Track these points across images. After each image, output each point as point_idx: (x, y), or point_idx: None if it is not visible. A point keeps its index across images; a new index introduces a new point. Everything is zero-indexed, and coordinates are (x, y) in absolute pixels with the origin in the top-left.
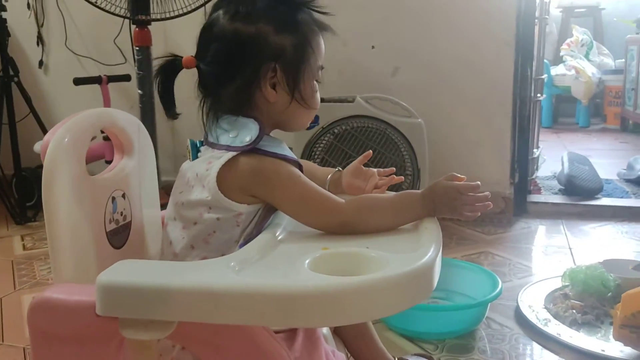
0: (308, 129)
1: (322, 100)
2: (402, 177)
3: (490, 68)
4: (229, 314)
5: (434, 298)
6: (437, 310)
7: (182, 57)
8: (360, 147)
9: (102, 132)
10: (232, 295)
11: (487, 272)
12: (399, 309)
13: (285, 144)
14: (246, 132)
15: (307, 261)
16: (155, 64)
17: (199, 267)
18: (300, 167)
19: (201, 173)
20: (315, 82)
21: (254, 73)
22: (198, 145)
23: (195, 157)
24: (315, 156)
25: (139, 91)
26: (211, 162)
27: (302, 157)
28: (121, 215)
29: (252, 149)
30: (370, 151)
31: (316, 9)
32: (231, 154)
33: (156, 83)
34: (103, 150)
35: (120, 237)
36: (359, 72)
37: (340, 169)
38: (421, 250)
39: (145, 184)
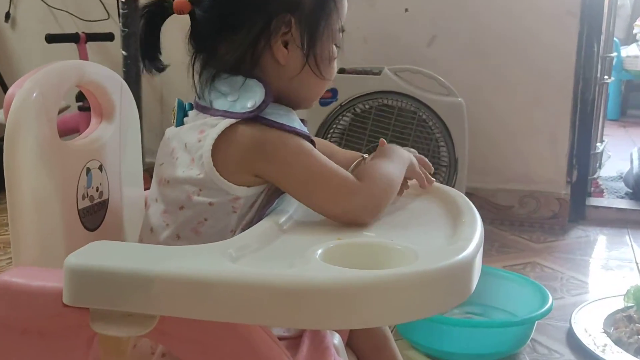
0: (324, 105)
1: (342, 71)
2: (433, 180)
3: (549, 41)
4: (222, 310)
5: (468, 313)
6: (472, 327)
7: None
8: (387, 129)
9: (79, 101)
10: (227, 287)
11: (534, 284)
12: (429, 312)
13: (297, 116)
14: (249, 96)
15: (318, 251)
16: (142, 3)
17: (187, 252)
18: (312, 144)
19: (191, 144)
20: (334, 46)
21: (264, 25)
22: (187, 108)
23: (180, 122)
24: (332, 139)
25: (123, 52)
26: (204, 130)
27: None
28: (97, 191)
29: (254, 117)
30: (383, 140)
31: None
32: (229, 121)
33: (140, 28)
34: (77, 123)
35: (94, 217)
36: (388, 40)
37: (364, 156)
38: (459, 244)
39: (126, 156)
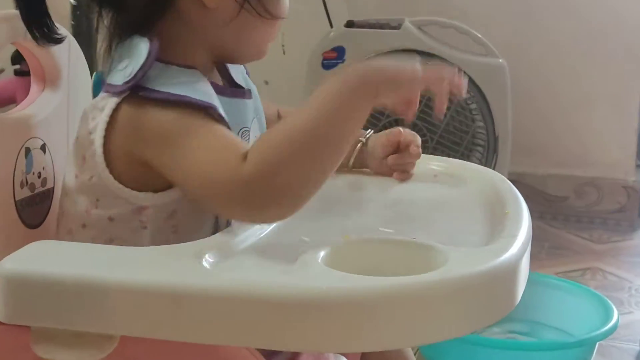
0: (328, 67)
1: (351, 24)
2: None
3: None
4: (197, 328)
5: (511, 332)
6: (516, 349)
7: None
8: None
9: (15, 63)
10: (203, 299)
11: (595, 295)
12: (462, 331)
13: (204, 77)
14: (134, 61)
15: (321, 253)
16: None
17: (153, 255)
18: (220, 118)
19: (82, 136)
20: None
21: None
22: None
23: None
24: None
25: (72, 1)
26: (95, 117)
27: None
28: (39, 177)
29: (134, 88)
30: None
31: None
32: (113, 101)
33: None
34: (14, 90)
35: (35, 211)
36: None
37: (367, 135)
38: (500, 243)
39: (76, 131)
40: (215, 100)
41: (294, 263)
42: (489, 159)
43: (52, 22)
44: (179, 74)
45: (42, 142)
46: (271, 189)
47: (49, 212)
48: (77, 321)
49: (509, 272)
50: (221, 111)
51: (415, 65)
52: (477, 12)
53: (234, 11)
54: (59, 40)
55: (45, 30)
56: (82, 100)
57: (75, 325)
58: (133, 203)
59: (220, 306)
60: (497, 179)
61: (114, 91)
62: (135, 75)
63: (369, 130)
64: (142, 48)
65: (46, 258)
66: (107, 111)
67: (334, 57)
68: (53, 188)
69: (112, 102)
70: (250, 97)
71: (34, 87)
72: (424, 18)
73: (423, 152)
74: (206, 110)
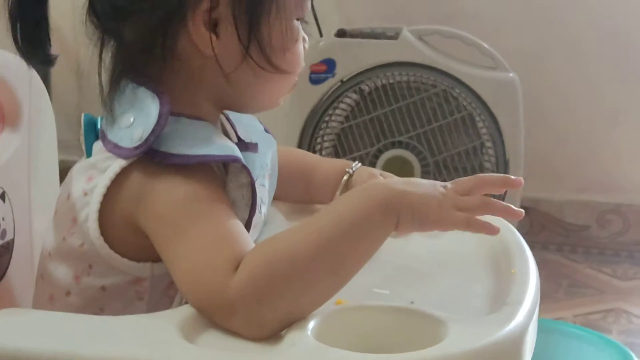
0: (316, 82)
1: (342, 33)
2: (498, 229)
3: None
4: None
5: None
6: None
7: None
8: (407, 118)
9: None
10: None
11: (615, 346)
12: None
13: (218, 128)
14: (142, 120)
15: (310, 324)
16: None
17: (129, 326)
18: (246, 169)
19: (76, 196)
20: (296, 22)
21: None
22: (99, 126)
23: (90, 151)
24: (328, 131)
25: None
26: (93, 177)
27: (302, 134)
28: None
29: (149, 153)
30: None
31: None
32: (119, 163)
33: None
34: None
35: None
36: None
37: (351, 169)
38: (504, 311)
39: (38, 176)
40: (237, 151)
41: (279, 336)
42: None
43: (48, 43)
44: (191, 129)
45: (2, 190)
46: (254, 315)
47: (9, 266)
48: None
49: (514, 344)
50: (244, 161)
51: (450, 201)
52: (485, 19)
53: (236, 61)
54: (50, 63)
55: (41, 51)
56: (44, 142)
57: None
58: (130, 274)
59: None
60: (505, 230)
61: (120, 154)
62: (147, 139)
63: (357, 162)
64: (150, 105)
65: (15, 331)
66: (110, 174)
67: (323, 71)
68: (13, 240)
69: (117, 165)
70: (256, 150)
71: None
72: (425, 27)
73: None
74: (225, 169)
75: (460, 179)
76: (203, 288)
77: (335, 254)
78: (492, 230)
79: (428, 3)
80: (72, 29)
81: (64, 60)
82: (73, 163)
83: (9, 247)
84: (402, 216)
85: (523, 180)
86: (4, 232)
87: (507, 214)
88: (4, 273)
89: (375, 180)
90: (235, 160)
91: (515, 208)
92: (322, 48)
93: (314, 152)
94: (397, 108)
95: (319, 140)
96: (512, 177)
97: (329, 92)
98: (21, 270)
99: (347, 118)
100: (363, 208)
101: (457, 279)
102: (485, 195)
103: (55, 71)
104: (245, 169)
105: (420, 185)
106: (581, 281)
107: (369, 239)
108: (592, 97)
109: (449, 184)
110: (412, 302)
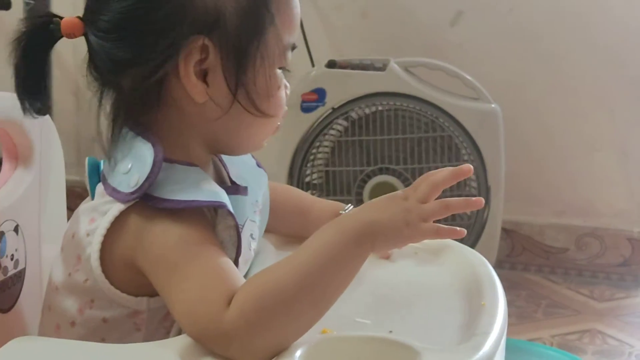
0: (307, 110)
1: (333, 64)
2: (464, 231)
3: (622, 18)
4: None
5: None
6: None
7: (61, 19)
8: (393, 145)
9: None
10: None
11: None
12: None
13: (208, 173)
14: (138, 167)
15: (297, 353)
16: (18, 28)
17: (134, 353)
18: (229, 212)
19: (80, 236)
20: (278, 71)
21: (168, 51)
22: (102, 168)
23: (94, 192)
24: (316, 160)
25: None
26: (95, 219)
27: (294, 160)
28: (11, 259)
29: (145, 197)
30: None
31: None
32: (118, 207)
33: (16, 57)
34: None
35: (7, 295)
36: (395, 18)
37: (346, 208)
38: (473, 341)
39: (48, 210)
40: (223, 196)
41: None
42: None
43: (48, 98)
44: (183, 175)
45: (16, 224)
46: (247, 345)
47: (20, 294)
48: None
49: None
50: (230, 208)
51: (415, 216)
52: (469, 52)
53: (225, 107)
54: (44, 112)
55: (39, 104)
56: (54, 178)
57: None
58: (129, 307)
59: None
60: (477, 263)
61: (118, 198)
62: (142, 185)
63: (349, 205)
64: (146, 154)
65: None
66: (110, 217)
67: (313, 100)
68: (25, 269)
69: (116, 209)
70: (245, 193)
71: (6, 166)
72: (411, 59)
73: None
74: (215, 212)
75: (415, 183)
76: (200, 320)
77: (315, 287)
78: (459, 233)
79: (415, 36)
80: (72, 54)
81: (63, 83)
82: (70, 182)
83: (21, 275)
84: (377, 243)
85: (472, 168)
86: (17, 262)
87: (467, 207)
88: (16, 300)
89: (342, 215)
90: (221, 206)
91: (472, 198)
92: (313, 78)
93: (305, 176)
94: (385, 138)
95: (309, 164)
96: (460, 165)
97: (319, 120)
98: (31, 297)
99: (333, 145)
100: (338, 241)
101: (432, 309)
102: (447, 203)
103: (55, 92)
104: (230, 214)
105: (385, 208)
106: (559, 302)
107: (346, 269)
108: (570, 126)
109: (409, 194)
110: (390, 332)
